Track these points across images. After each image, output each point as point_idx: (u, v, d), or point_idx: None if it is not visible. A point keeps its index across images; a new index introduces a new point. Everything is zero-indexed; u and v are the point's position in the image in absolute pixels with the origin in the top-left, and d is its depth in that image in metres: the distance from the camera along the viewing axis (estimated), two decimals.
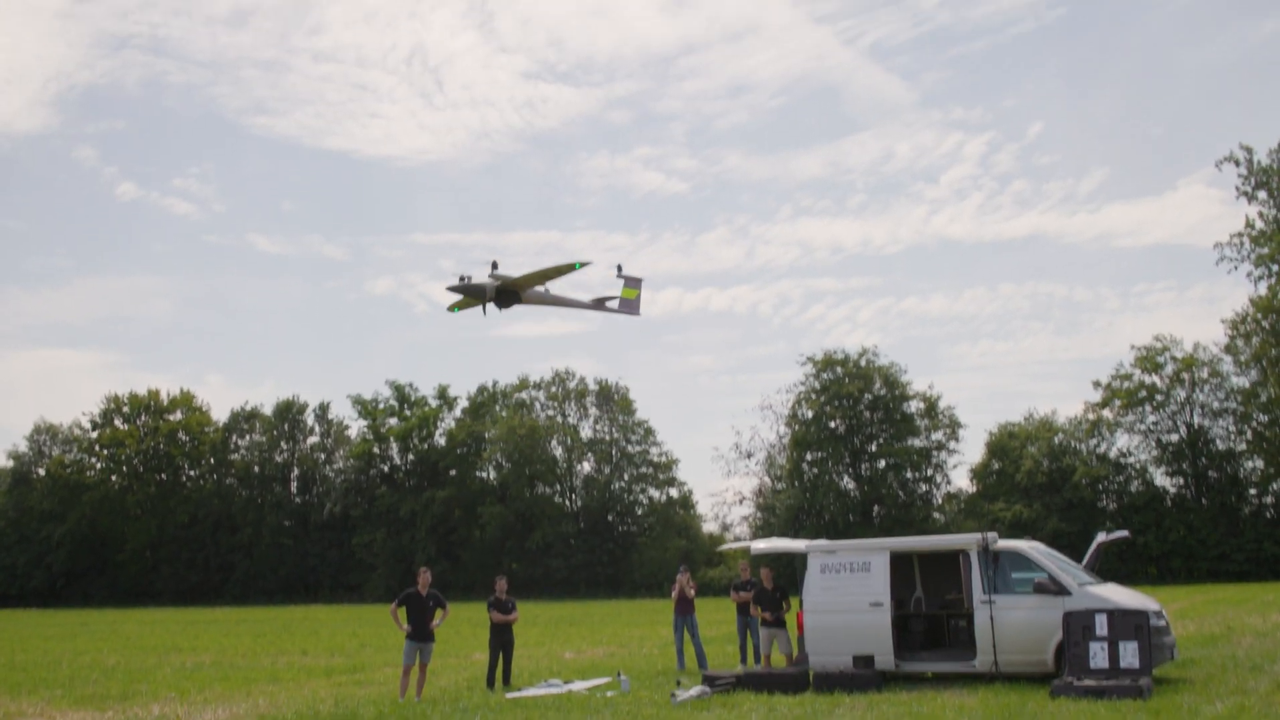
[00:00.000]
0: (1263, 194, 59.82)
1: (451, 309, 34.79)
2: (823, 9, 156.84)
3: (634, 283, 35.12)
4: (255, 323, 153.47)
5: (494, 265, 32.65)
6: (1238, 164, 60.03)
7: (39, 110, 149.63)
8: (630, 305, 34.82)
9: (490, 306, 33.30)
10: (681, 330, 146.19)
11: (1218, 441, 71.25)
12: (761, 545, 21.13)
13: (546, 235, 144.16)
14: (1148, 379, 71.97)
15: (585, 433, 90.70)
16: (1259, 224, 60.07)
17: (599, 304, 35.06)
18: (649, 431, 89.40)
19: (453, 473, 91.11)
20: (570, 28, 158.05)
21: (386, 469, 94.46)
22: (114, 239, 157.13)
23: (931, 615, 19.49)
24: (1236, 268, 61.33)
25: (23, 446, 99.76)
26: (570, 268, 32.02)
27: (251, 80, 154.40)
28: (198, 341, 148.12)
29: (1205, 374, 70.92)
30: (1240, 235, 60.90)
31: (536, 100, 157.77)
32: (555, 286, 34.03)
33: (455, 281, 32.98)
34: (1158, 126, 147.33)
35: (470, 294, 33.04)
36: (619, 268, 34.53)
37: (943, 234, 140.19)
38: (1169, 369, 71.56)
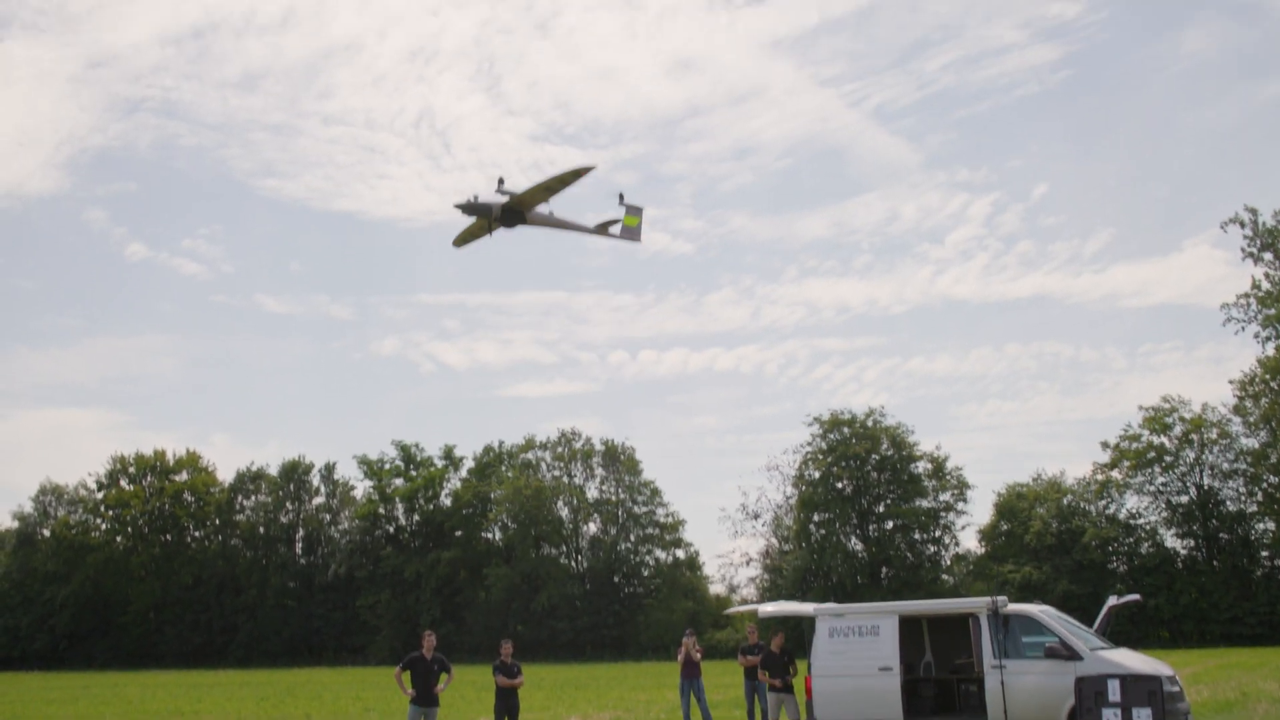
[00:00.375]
0: (1269, 255, 59.95)
1: (456, 243, 35.03)
2: (827, 72, 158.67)
3: (635, 211, 35.89)
4: (261, 382, 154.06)
5: (500, 181, 32.88)
6: (1243, 225, 60.25)
7: (51, 172, 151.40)
8: (632, 232, 35.56)
9: (495, 234, 33.85)
10: (688, 390, 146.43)
11: (1228, 503, 70.65)
12: (769, 608, 20.96)
13: (553, 295, 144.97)
14: (1156, 440, 71.55)
15: (591, 493, 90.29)
16: (1265, 285, 60.15)
17: (602, 229, 35.54)
18: (655, 492, 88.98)
19: (458, 534, 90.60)
20: (577, 91, 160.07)
21: (392, 530, 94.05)
22: (123, 299, 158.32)
23: (941, 680, 19.26)
24: (1244, 328, 61.37)
25: (28, 507, 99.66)
26: (573, 175, 32.30)
27: (261, 143, 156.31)
28: (204, 401, 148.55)
29: (1214, 435, 70.45)
30: (1247, 296, 60.98)
31: (543, 162, 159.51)
32: (558, 210, 34.51)
33: (463, 201, 33.34)
34: (1162, 188, 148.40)
35: (477, 213, 33.29)
36: (620, 196, 35.27)
37: (948, 294, 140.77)
38: (1177, 430, 71.19)
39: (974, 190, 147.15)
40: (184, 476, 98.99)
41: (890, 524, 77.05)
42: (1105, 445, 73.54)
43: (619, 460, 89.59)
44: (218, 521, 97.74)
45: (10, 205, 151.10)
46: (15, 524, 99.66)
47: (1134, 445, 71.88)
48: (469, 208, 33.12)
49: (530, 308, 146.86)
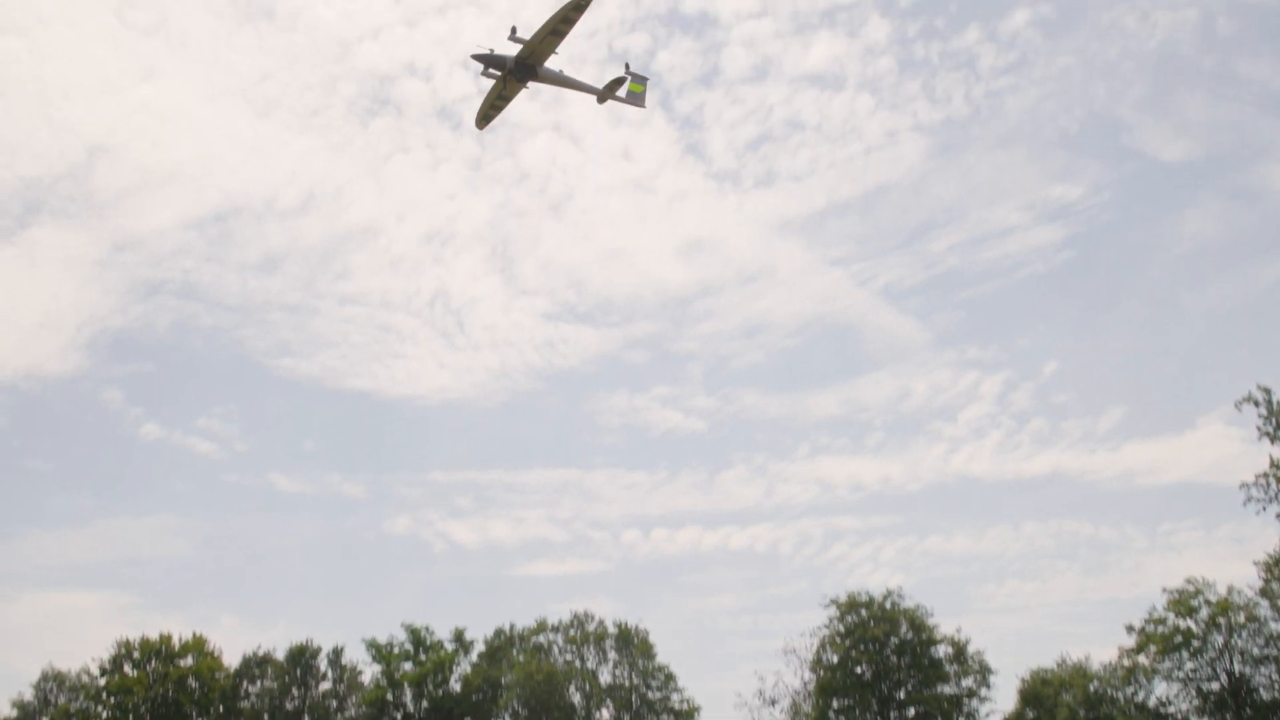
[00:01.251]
0: None
1: (479, 121, 37.08)
2: (835, 253, 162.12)
3: (641, 79, 38.88)
4: (272, 563, 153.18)
5: (513, 30, 34.48)
6: (1257, 404, 60.43)
7: (71, 354, 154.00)
8: (637, 98, 38.08)
9: (504, 116, 36.25)
10: (701, 569, 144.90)
11: (1261, 690, 68.31)
12: None
13: (565, 473, 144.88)
14: (1182, 623, 69.79)
15: (604, 678, 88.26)
16: None
17: (610, 89, 38.43)
18: (670, 677, 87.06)
19: None
20: (590, 271, 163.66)
21: (400, 716, 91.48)
22: (136, 479, 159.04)
23: None
24: (1265, 509, 60.72)
25: (29, 694, 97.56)
26: (574, 7, 33.82)
27: (278, 323, 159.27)
28: (213, 582, 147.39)
29: (1242, 619, 68.73)
30: (1266, 476, 60.63)
31: (556, 340, 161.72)
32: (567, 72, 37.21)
33: (480, 51, 35.80)
34: (1171, 365, 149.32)
35: (492, 64, 35.58)
36: (626, 65, 38.41)
37: (963, 472, 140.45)
38: (1204, 613, 69.48)
39: (984, 368, 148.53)
40: (189, 661, 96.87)
41: (912, 711, 75.00)
42: (1130, 629, 71.79)
43: (632, 643, 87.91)
44: (222, 709, 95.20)
45: (29, 386, 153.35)
46: (14, 712, 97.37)
47: (1160, 629, 70.11)
48: (485, 58, 36.84)
49: (542, 485, 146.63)
